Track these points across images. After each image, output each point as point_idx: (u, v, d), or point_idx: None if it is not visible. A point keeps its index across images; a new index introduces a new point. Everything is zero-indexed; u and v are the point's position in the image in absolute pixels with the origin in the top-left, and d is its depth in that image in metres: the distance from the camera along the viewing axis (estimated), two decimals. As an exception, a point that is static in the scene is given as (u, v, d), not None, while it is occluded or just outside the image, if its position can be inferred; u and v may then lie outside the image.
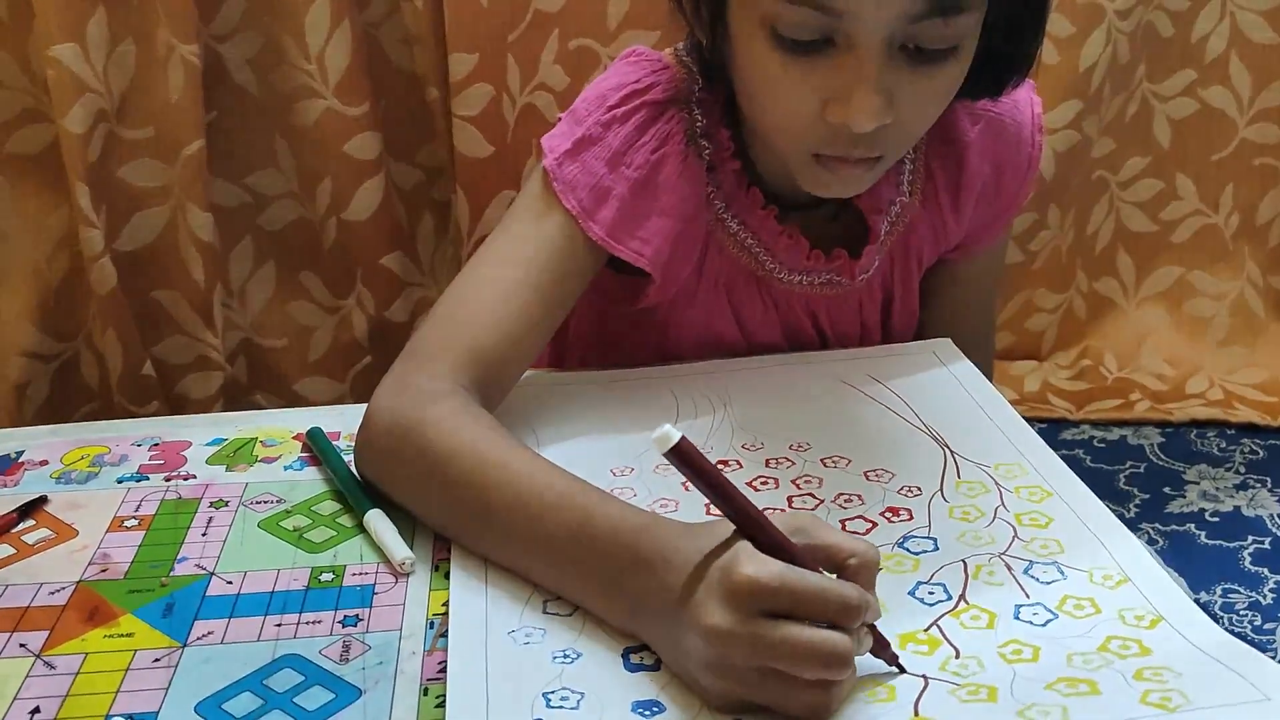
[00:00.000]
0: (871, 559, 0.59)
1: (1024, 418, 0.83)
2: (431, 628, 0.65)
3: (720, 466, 0.77)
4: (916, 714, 0.57)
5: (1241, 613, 1.41)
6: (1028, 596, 0.65)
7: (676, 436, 0.55)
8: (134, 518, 0.75)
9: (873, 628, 0.59)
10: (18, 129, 1.46)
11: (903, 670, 0.59)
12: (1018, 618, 0.63)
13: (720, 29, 0.79)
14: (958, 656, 0.60)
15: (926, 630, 0.62)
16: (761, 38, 0.74)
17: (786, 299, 0.93)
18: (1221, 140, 1.87)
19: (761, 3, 0.73)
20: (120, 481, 0.79)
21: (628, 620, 0.62)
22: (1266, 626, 1.39)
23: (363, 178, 1.58)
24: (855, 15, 0.71)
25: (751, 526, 0.58)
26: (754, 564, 0.56)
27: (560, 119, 0.87)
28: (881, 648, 0.59)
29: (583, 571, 0.64)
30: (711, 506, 0.72)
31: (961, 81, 0.78)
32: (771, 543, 0.57)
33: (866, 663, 0.59)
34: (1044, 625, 0.63)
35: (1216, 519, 1.60)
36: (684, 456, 0.56)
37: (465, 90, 1.55)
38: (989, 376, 1.02)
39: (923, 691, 0.58)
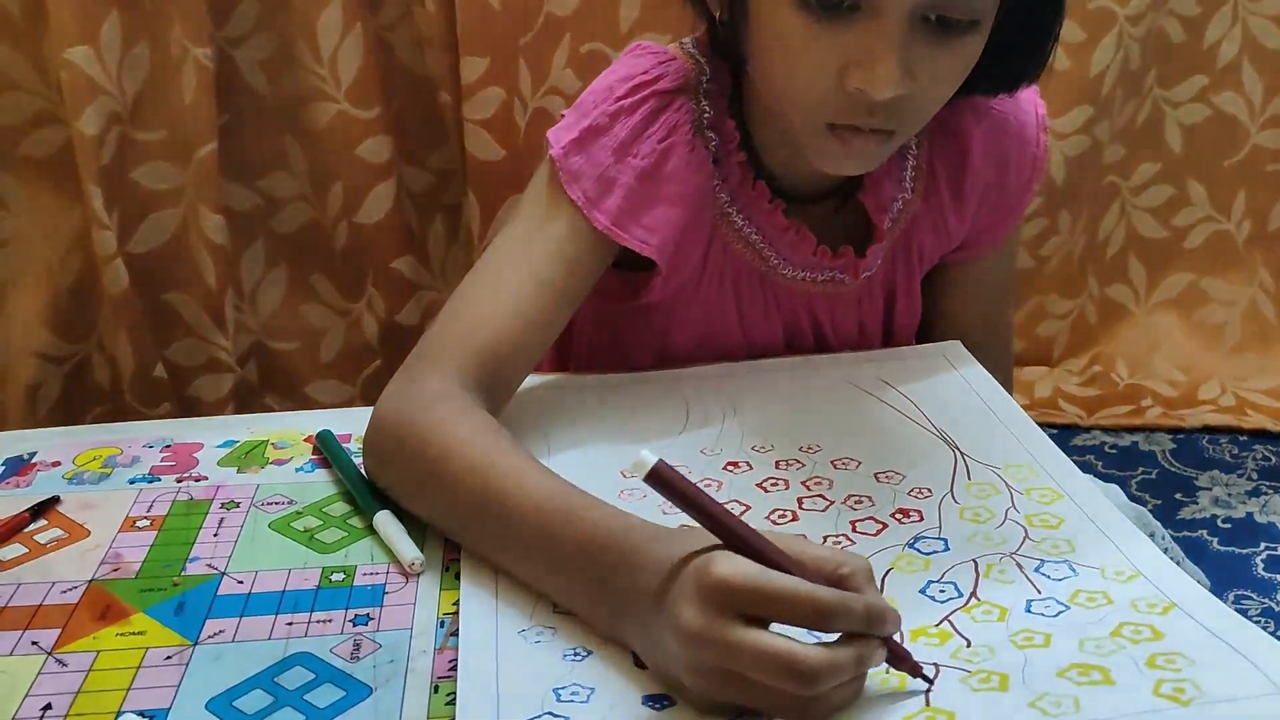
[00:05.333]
0: (862, 566, 0.57)
1: (1035, 423, 0.83)
2: (442, 627, 0.65)
3: (730, 469, 0.78)
4: (928, 704, 0.56)
5: (1254, 619, 1.40)
6: (1039, 592, 0.65)
7: (652, 461, 0.54)
8: (146, 518, 0.75)
9: (891, 642, 0.56)
10: (32, 131, 1.47)
11: (930, 682, 0.57)
12: (1029, 611, 0.63)
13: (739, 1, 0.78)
14: (969, 646, 0.60)
15: (937, 625, 0.62)
16: (785, 2, 0.74)
17: (788, 296, 0.93)
18: (1233, 146, 1.87)
19: None
20: (132, 482, 0.79)
21: (611, 624, 0.62)
22: (1279, 634, 1.38)
23: (374, 181, 1.59)
24: None
25: (737, 541, 0.56)
26: (726, 564, 0.55)
27: (564, 114, 0.86)
28: (900, 660, 0.57)
29: (567, 575, 0.64)
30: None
31: (977, 59, 0.78)
32: (755, 553, 0.56)
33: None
34: (1055, 616, 0.62)
35: (1229, 525, 1.59)
36: (662, 480, 0.55)
37: (477, 94, 1.55)
38: (1008, 384, 1.02)
39: (934, 679, 0.58)
